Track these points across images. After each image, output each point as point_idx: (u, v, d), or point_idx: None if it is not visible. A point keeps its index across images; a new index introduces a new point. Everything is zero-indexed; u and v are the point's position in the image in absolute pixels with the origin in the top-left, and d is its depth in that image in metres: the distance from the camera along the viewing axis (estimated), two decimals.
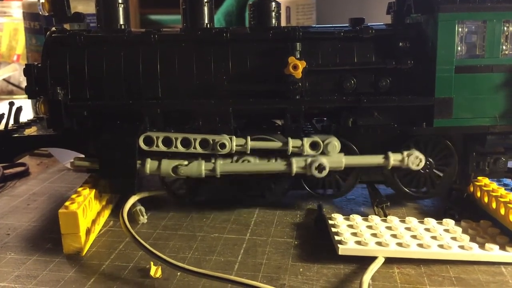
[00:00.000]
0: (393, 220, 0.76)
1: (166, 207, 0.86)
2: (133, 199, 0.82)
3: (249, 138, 0.79)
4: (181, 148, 0.79)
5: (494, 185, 0.80)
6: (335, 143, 0.79)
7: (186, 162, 0.79)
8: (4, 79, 1.85)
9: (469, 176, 0.83)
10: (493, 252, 0.68)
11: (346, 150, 0.81)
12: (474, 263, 0.68)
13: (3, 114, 0.84)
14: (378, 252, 0.68)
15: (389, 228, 0.74)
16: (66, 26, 0.86)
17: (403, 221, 0.76)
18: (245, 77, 0.80)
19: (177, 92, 0.80)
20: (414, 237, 0.71)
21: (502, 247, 0.69)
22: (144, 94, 0.79)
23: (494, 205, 0.77)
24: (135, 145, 0.77)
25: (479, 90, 0.78)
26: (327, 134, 0.82)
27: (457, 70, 0.77)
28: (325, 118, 0.90)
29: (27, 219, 0.84)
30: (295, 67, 0.76)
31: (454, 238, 0.71)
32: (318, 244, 0.74)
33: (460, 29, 0.76)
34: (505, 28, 0.77)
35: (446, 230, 0.73)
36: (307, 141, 0.79)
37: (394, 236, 0.71)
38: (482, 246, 0.69)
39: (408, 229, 0.73)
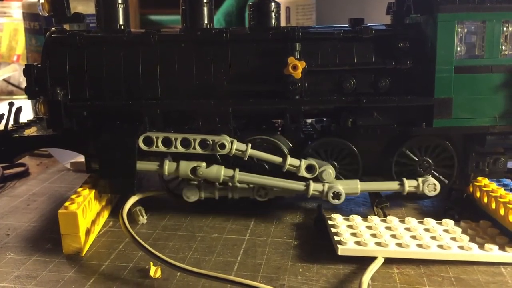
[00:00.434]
0: (393, 220, 0.76)
1: (166, 207, 0.86)
2: (132, 200, 0.82)
3: (249, 145, 0.79)
4: (180, 149, 0.79)
5: (493, 186, 0.80)
6: (330, 171, 0.79)
7: (205, 164, 0.79)
8: (4, 80, 1.85)
9: (468, 177, 0.83)
10: (492, 253, 0.68)
11: (346, 151, 0.81)
12: (473, 264, 0.68)
13: (3, 115, 0.84)
14: (378, 253, 0.68)
15: (388, 228, 0.74)
16: (66, 27, 0.86)
17: (402, 222, 0.76)
18: (244, 77, 0.80)
19: (176, 93, 0.80)
20: (413, 237, 0.71)
21: (502, 248, 0.69)
22: (144, 94, 0.79)
23: (493, 205, 0.77)
24: (134, 145, 0.77)
25: (478, 91, 0.78)
26: (327, 134, 0.82)
27: (457, 71, 0.77)
28: (324, 119, 0.90)
29: (27, 219, 0.84)
30: (295, 67, 0.76)
31: (453, 239, 0.71)
32: (317, 244, 0.74)
33: (459, 30, 0.76)
34: (505, 28, 0.77)
35: (446, 231, 0.73)
36: (304, 163, 0.79)
37: (393, 236, 0.71)
38: (481, 246, 0.69)
39: (407, 229, 0.73)
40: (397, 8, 0.86)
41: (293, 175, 0.80)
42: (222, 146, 0.78)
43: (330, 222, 0.76)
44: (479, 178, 0.83)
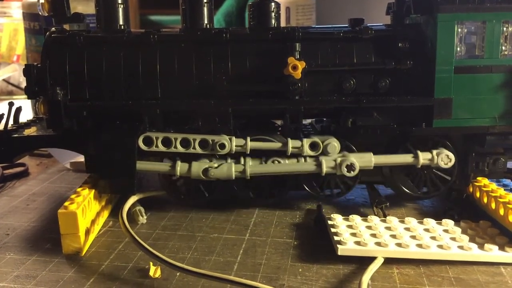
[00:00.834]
0: (393, 220, 0.76)
1: (166, 207, 0.86)
2: (132, 199, 0.82)
3: (248, 138, 0.79)
4: (180, 149, 0.79)
5: (493, 186, 0.80)
6: (334, 144, 0.79)
7: (216, 165, 0.79)
8: (4, 80, 1.85)
9: (468, 177, 0.83)
10: (492, 253, 0.68)
11: (345, 151, 0.81)
12: (473, 264, 0.68)
13: (2, 114, 0.84)
14: (378, 253, 0.68)
15: (388, 228, 0.74)
16: (66, 27, 0.86)
17: (402, 222, 0.76)
18: (244, 77, 0.80)
19: (176, 93, 0.80)
20: (413, 237, 0.71)
21: (502, 248, 0.69)
22: (144, 94, 0.79)
23: (493, 205, 0.77)
24: (134, 145, 0.77)
25: (478, 91, 0.78)
26: (327, 134, 0.82)
27: (457, 71, 0.77)
28: (324, 119, 0.90)
29: (27, 219, 0.84)
30: (295, 67, 0.76)
31: (453, 239, 0.71)
32: (317, 244, 0.74)
33: (459, 30, 0.76)
34: (505, 28, 0.77)
35: (446, 231, 0.73)
36: (306, 142, 0.79)
37: (393, 236, 0.71)
38: (481, 246, 0.69)
39: (407, 229, 0.73)
40: (397, 8, 0.86)
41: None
42: (222, 146, 0.78)
43: (330, 222, 0.76)
44: (479, 178, 0.83)
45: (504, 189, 0.79)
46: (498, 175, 0.84)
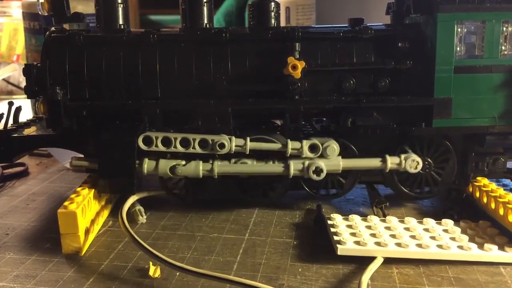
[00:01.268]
0: (392, 220, 0.76)
1: (165, 207, 0.86)
2: (132, 199, 0.82)
3: (248, 139, 0.79)
4: (180, 148, 0.79)
5: (493, 186, 0.80)
6: (334, 146, 0.79)
7: (183, 162, 0.79)
8: (3, 79, 1.85)
9: (468, 176, 0.83)
10: (492, 253, 0.68)
11: (345, 150, 0.81)
12: (473, 263, 0.68)
13: (2, 114, 0.84)
14: (377, 252, 0.68)
15: (388, 228, 0.74)
16: (66, 26, 0.86)
17: (402, 221, 0.76)
18: (244, 77, 0.80)
19: (176, 92, 0.80)
20: (413, 237, 0.71)
21: (501, 248, 0.69)
22: (144, 94, 0.79)
23: (493, 205, 0.77)
24: (134, 145, 0.77)
25: (478, 91, 0.78)
26: (327, 134, 0.82)
27: (456, 71, 0.77)
28: (324, 118, 0.90)
29: (26, 219, 0.84)
30: (294, 67, 0.76)
31: (453, 238, 0.71)
32: (317, 244, 0.74)
33: (459, 30, 0.76)
34: (504, 28, 0.77)
35: (445, 230, 0.73)
36: (306, 143, 0.79)
37: (393, 236, 0.71)
38: (481, 246, 0.69)
39: (407, 229, 0.73)
40: (396, 8, 0.86)
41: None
42: (222, 145, 0.78)
43: (329, 222, 0.76)
44: (478, 178, 0.83)
45: (504, 189, 0.79)
46: (498, 175, 0.84)
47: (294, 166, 0.78)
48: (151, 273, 0.65)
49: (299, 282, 0.64)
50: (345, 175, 0.83)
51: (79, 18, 0.85)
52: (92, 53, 0.80)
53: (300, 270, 0.67)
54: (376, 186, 0.88)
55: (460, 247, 0.68)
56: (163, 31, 0.82)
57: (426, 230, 0.73)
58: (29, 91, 0.80)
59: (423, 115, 0.79)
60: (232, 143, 0.78)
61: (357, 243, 0.69)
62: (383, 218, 0.77)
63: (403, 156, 0.79)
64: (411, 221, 0.75)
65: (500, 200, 0.75)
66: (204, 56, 0.80)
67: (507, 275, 0.66)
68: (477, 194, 0.82)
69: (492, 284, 0.64)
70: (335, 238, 0.70)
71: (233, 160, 0.80)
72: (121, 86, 0.79)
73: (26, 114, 1.00)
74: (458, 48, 0.77)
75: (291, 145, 0.79)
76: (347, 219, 0.77)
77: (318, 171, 0.78)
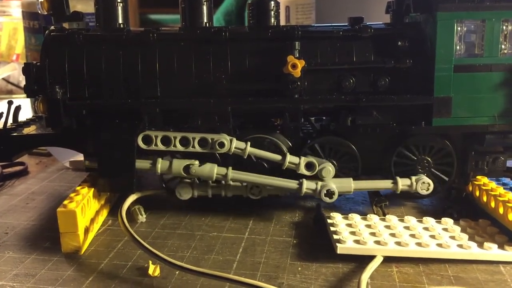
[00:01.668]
0: (392, 219, 0.76)
1: (165, 206, 0.86)
2: (131, 198, 0.82)
3: (249, 144, 0.79)
4: (179, 147, 0.79)
5: (493, 184, 0.80)
6: (329, 169, 0.79)
7: (197, 162, 0.79)
8: (3, 79, 1.85)
9: (468, 175, 0.83)
10: (491, 251, 0.68)
11: (344, 149, 0.81)
12: (472, 262, 0.68)
13: (2, 113, 0.84)
14: (377, 251, 0.68)
15: (387, 227, 0.74)
16: (65, 25, 0.86)
17: (401, 220, 0.76)
18: (244, 76, 0.80)
19: (176, 91, 0.80)
20: (412, 236, 0.71)
21: (501, 246, 0.69)
22: (143, 93, 0.79)
23: (493, 204, 0.77)
24: (134, 144, 0.77)
25: (478, 89, 0.78)
26: (326, 133, 0.82)
27: (456, 69, 0.77)
28: (324, 117, 0.90)
29: (26, 218, 0.84)
30: (294, 66, 0.76)
31: (452, 237, 0.71)
32: (316, 243, 0.74)
33: (459, 28, 0.76)
34: (504, 27, 0.77)
35: (445, 229, 0.73)
36: (303, 161, 0.79)
37: (392, 235, 0.71)
38: (480, 245, 0.69)
39: (406, 228, 0.73)
40: (396, 7, 0.86)
41: (292, 173, 0.80)
42: (221, 144, 0.78)
43: (329, 221, 0.76)
44: (478, 177, 0.83)
45: (504, 188, 0.79)
46: (498, 174, 0.84)
47: (307, 185, 0.78)
48: (150, 272, 0.65)
49: (298, 281, 0.64)
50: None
51: (79, 17, 0.84)
52: (92, 52, 0.80)
53: (299, 269, 0.67)
54: None
55: (460, 246, 0.68)
56: (163, 30, 0.82)
57: (426, 229, 0.73)
58: (29, 90, 0.79)
59: (423, 114, 0.79)
60: (232, 143, 0.78)
61: (357, 242, 0.69)
62: (382, 217, 0.77)
63: (414, 178, 0.79)
64: (411, 220, 0.75)
65: (500, 198, 0.75)
66: (204, 55, 0.79)
67: (507, 273, 0.66)
68: (477, 193, 0.82)
69: (491, 282, 0.64)
70: (335, 237, 0.70)
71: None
72: (121, 85, 0.79)
73: (26, 113, 1.00)
74: (458, 47, 0.77)
75: (289, 158, 0.79)
76: (346, 218, 0.77)
77: (329, 193, 0.78)
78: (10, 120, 0.86)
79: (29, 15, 1.34)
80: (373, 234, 0.71)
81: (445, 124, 0.79)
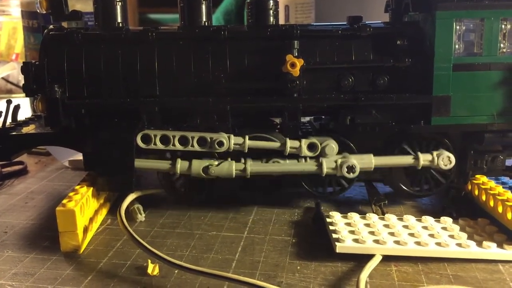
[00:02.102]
0: (391, 218, 0.76)
1: (164, 205, 0.86)
2: (131, 197, 0.82)
3: (247, 137, 0.79)
4: (178, 146, 0.79)
5: (492, 183, 0.80)
6: (332, 146, 0.79)
7: (216, 162, 0.79)
8: (2, 78, 1.85)
9: (467, 174, 0.83)
10: (490, 250, 0.68)
11: (344, 148, 0.81)
12: (471, 261, 0.68)
13: (1, 112, 0.84)
14: (376, 250, 0.68)
15: (386, 226, 0.74)
16: (64, 24, 0.86)
17: (400, 219, 0.76)
18: (243, 75, 0.80)
19: (175, 90, 0.80)
20: (411, 235, 0.71)
21: (500, 245, 0.69)
22: (142, 92, 0.79)
23: (491, 203, 0.77)
24: (132, 143, 0.77)
25: (477, 88, 0.78)
26: (325, 132, 0.82)
27: (455, 68, 0.77)
28: (323, 116, 0.90)
29: (25, 217, 0.84)
30: (293, 65, 0.76)
31: (451, 236, 0.71)
32: (315, 242, 0.74)
33: (458, 27, 0.76)
34: (503, 26, 0.77)
35: (444, 228, 0.73)
36: (305, 142, 0.79)
37: (391, 234, 0.71)
38: (479, 244, 0.69)
39: (405, 227, 0.73)
40: (395, 6, 0.86)
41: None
42: (221, 143, 0.78)
43: (328, 220, 0.76)
44: (477, 176, 0.83)
45: (503, 187, 0.79)
46: (497, 173, 0.84)
47: (327, 164, 0.78)
48: (149, 271, 0.65)
49: (297, 280, 0.64)
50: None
51: (77, 16, 0.84)
52: (91, 51, 0.80)
53: (298, 268, 0.67)
54: (375, 184, 0.88)
55: (459, 245, 0.68)
56: (162, 29, 0.82)
57: (425, 228, 0.73)
58: (28, 89, 0.80)
59: (422, 113, 0.79)
60: (230, 141, 0.78)
61: (356, 241, 0.69)
62: (381, 216, 0.77)
63: (435, 153, 0.79)
64: (410, 219, 0.75)
65: (499, 197, 0.74)
66: (203, 54, 0.79)
67: (506, 272, 0.66)
68: (476, 192, 0.82)
69: (491, 281, 0.64)
70: (334, 236, 0.70)
71: (264, 160, 0.80)
72: (120, 84, 0.79)
73: (25, 113, 1.00)
74: (456, 46, 0.77)
75: (290, 143, 0.79)
76: (345, 217, 0.77)
77: (351, 168, 0.78)
78: (9, 119, 0.86)
79: (28, 14, 1.34)
80: (372, 233, 0.71)
81: (444, 123, 0.79)
